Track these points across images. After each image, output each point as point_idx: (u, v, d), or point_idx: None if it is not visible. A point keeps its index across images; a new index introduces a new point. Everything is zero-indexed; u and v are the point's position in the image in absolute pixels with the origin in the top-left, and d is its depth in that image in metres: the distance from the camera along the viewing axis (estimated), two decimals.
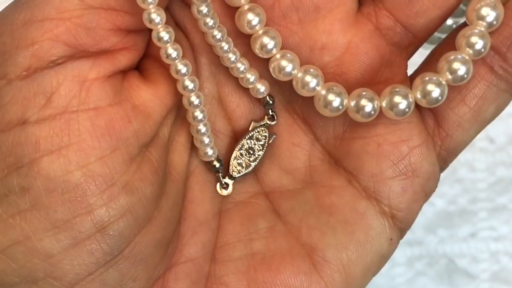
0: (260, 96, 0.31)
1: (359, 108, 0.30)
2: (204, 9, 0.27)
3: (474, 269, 0.52)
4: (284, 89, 0.32)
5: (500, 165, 0.53)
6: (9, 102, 0.27)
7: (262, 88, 0.31)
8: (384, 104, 0.30)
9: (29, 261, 0.27)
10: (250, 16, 0.29)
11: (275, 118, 0.32)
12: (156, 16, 0.27)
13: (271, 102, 0.32)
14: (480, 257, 0.52)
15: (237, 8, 0.30)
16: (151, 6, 0.27)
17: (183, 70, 0.28)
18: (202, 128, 0.30)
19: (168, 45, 0.27)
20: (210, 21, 0.28)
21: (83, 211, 0.27)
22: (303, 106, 0.32)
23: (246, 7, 0.29)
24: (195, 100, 0.29)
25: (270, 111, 0.32)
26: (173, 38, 0.27)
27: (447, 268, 0.52)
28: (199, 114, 0.29)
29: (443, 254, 0.52)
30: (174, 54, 0.28)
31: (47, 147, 0.27)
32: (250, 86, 0.31)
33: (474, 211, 0.53)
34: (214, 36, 0.29)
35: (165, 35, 0.27)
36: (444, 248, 0.52)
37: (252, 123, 0.32)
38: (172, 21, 0.31)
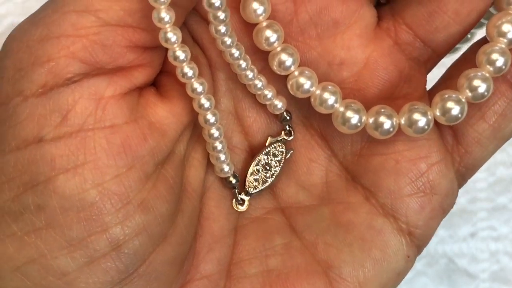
0: (278, 112, 0.31)
1: (377, 125, 0.30)
2: (222, 28, 0.27)
3: (474, 269, 0.52)
4: (302, 104, 0.32)
5: (500, 165, 0.53)
6: (25, 119, 0.27)
7: (279, 104, 0.31)
8: (403, 121, 0.30)
9: (44, 279, 0.27)
10: (268, 33, 0.29)
11: (292, 133, 0.32)
12: (172, 35, 0.26)
13: (288, 117, 0.31)
14: (480, 257, 0.53)
15: (255, 24, 0.29)
16: (167, 26, 0.26)
17: (199, 88, 0.28)
18: (218, 146, 0.30)
19: (184, 64, 0.27)
20: (228, 40, 0.28)
21: (98, 230, 0.27)
22: (320, 122, 0.32)
23: (264, 23, 0.29)
24: (211, 118, 0.29)
25: (287, 126, 0.32)
26: (189, 57, 0.27)
27: (447, 268, 0.52)
28: (215, 132, 0.29)
29: (443, 254, 0.52)
30: (190, 73, 0.27)
31: (63, 165, 0.26)
32: (267, 103, 0.31)
33: (474, 211, 0.53)
34: (232, 55, 0.28)
35: (181, 54, 0.27)
36: (444, 248, 0.52)
37: (269, 138, 0.32)
38: (189, 36, 0.30)
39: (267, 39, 0.29)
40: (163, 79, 0.30)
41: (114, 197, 0.27)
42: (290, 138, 0.32)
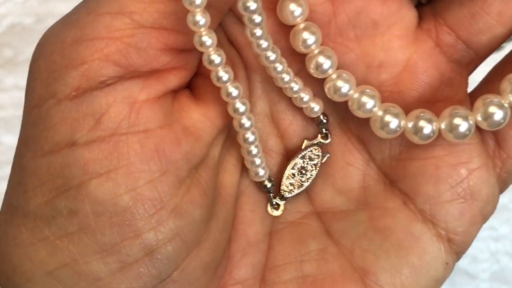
0: (314, 116, 0.30)
1: (417, 130, 0.29)
2: (258, 31, 0.26)
3: (474, 269, 0.52)
4: (338, 106, 0.31)
5: None
6: (58, 123, 0.26)
7: (316, 107, 0.30)
8: (443, 126, 0.29)
9: (76, 284, 0.27)
10: (306, 35, 0.28)
11: (329, 136, 0.31)
12: (207, 39, 0.26)
13: (325, 121, 0.31)
14: (480, 257, 0.52)
15: (291, 26, 0.29)
16: (202, 29, 0.26)
17: (234, 93, 0.27)
18: (254, 150, 0.29)
19: (219, 68, 0.27)
20: (264, 43, 0.27)
21: (131, 235, 0.26)
22: (358, 125, 0.31)
23: (301, 25, 0.29)
24: (246, 122, 0.28)
25: (323, 129, 0.31)
26: (224, 61, 0.27)
27: None
28: (250, 136, 0.29)
29: None
30: (225, 77, 0.27)
31: (96, 170, 0.26)
32: (304, 106, 0.30)
33: None
34: (267, 58, 0.28)
35: (216, 58, 0.26)
36: None
37: (305, 141, 0.31)
38: (225, 37, 0.30)
39: (304, 41, 0.29)
40: (197, 81, 0.29)
41: (147, 202, 0.26)
42: (327, 141, 0.31)
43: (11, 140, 0.59)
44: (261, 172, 0.30)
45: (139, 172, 0.26)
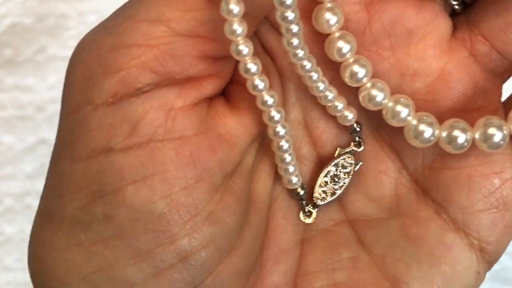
0: (348, 124, 0.30)
1: (451, 139, 0.29)
2: (294, 41, 0.27)
3: None
4: (371, 115, 0.31)
5: None
6: (95, 129, 0.27)
7: (350, 115, 0.30)
8: (477, 136, 0.29)
9: None
10: (341, 43, 0.29)
11: (362, 145, 0.31)
12: (244, 48, 0.26)
13: (358, 129, 0.31)
14: None
15: (326, 34, 0.29)
16: (239, 38, 0.26)
17: (270, 101, 0.27)
18: (287, 158, 0.29)
19: (255, 76, 0.27)
20: (300, 52, 0.27)
21: (166, 241, 0.27)
22: (391, 133, 0.31)
23: (336, 34, 0.29)
24: (281, 130, 0.28)
25: (357, 137, 0.31)
26: (260, 69, 0.27)
27: None
28: (284, 144, 0.29)
29: None
30: (261, 85, 0.27)
31: (132, 176, 0.26)
32: (338, 114, 0.30)
33: None
34: (303, 67, 0.28)
35: (252, 67, 0.27)
36: None
37: (338, 149, 0.31)
38: (259, 44, 0.30)
39: (339, 50, 0.29)
40: (232, 89, 0.29)
41: (182, 209, 0.27)
42: (360, 149, 0.31)
43: (11, 140, 0.59)
44: (294, 179, 0.30)
45: (175, 178, 0.27)
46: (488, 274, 0.51)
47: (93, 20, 0.59)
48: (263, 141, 0.30)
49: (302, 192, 0.31)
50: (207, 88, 0.28)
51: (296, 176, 0.30)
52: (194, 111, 0.27)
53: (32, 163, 0.60)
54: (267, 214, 0.31)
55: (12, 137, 0.59)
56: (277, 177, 0.31)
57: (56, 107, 0.59)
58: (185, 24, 0.26)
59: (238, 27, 0.26)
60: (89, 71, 0.27)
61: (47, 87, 0.59)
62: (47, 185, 0.28)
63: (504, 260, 0.52)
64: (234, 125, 0.28)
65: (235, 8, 0.25)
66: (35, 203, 0.59)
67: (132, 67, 0.26)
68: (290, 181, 0.30)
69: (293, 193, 0.31)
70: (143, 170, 0.26)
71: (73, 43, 0.56)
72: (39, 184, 0.59)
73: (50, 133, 0.59)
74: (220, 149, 0.27)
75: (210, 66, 0.27)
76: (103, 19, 0.28)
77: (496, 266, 0.51)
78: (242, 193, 0.28)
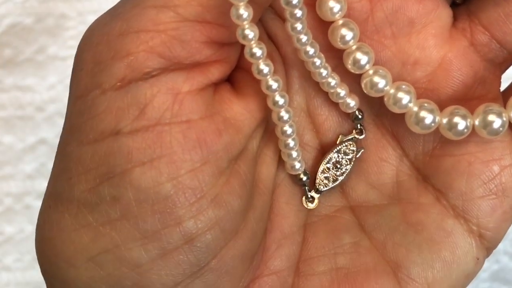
0: (350, 111, 0.31)
1: (451, 126, 0.30)
2: (298, 26, 0.27)
3: None
4: (373, 103, 0.32)
5: None
6: (103, 112, 0.27)
7: (352, 103, 0.31)
8: (477, 122, 0.30)
9: (117, 269, 0.27)
10: (344, 31, 0.29)
11: (364, 132, 0.32)
12: (250, 32, 0.27)
13: (360, 116, 0.31)
14: None
15: (329, 22, 0.29)
16: (245, 23, 0.26)
17: (274, 86, 0.28)
18: (291, 143, 0.30)
19: (261, 61, 0.27)
20: (303, 38, 0.28)
21: (172, 223, 0.27)
22: (392, 121, 0.32)
23: (340, 22, 0.29)
24: (284, 115, 0.29)
25: (358, 125, 0.32)
26: (265, 54, 0.27)
27: None
28: (288, 129, 0.29)
29: None
30: (266, 70, 0.27)
31: (139, 158, 0.27)
32: (340, 101, 0.31)
33: None
34: (306, 52, 0.28)
35: (257, 51, 0.27)
36: None
37: (340, 136, 0.32)
38: (264, 32, 0.30)
39: (343, 37, 0.29)
40: (237, 75, 0.30)
41: (188, 191, 0.27)
42: (362, 136, 0.32)
43: (11, 140, 0.59)
44: (297, 165, 0.31)
45: (181, 161, 0.27)
46: (488, 274, 0.51)
47: (93, 20, 0.59)
48: (268, 128, 0.31)
49: (304, 178, 0.31)
50: (214, 73, 0.28)
51: (299, 161, 0.31)
52: (200, 95, 0.28)
53: (32, 163, 0.60)
54: (270, 199, 0.31)
55: (12, 137, 0.59)
56: (280, 163, 0.31)
57: (56, 107, 0.59)
58: (192, 9, 0.27)
59: (244, 12, 0.26)
60: (98, 56, 0.27)
61: (47, 87, 0.59)
62: (55, 168, 0.29)
63: (504, 260, 0.52)
64: (240, 110, 0.29)
65: None
66: (35, 203, 0.59)
67: (140, 52, 0.27)
68: (293, 166, 0.31)
69: (296, 179, 0.31)
70: (150, 153, 0.27)
71: (73, 43, 0.57)
72: (39, 184, 0.59)
73: (50, 133, 0.60)
74: (226, 133, 0.28)
75: (217, 52, 0.28)
76: None
77: (496, 266, 0.51)
78: (247, 177, 0.29)
